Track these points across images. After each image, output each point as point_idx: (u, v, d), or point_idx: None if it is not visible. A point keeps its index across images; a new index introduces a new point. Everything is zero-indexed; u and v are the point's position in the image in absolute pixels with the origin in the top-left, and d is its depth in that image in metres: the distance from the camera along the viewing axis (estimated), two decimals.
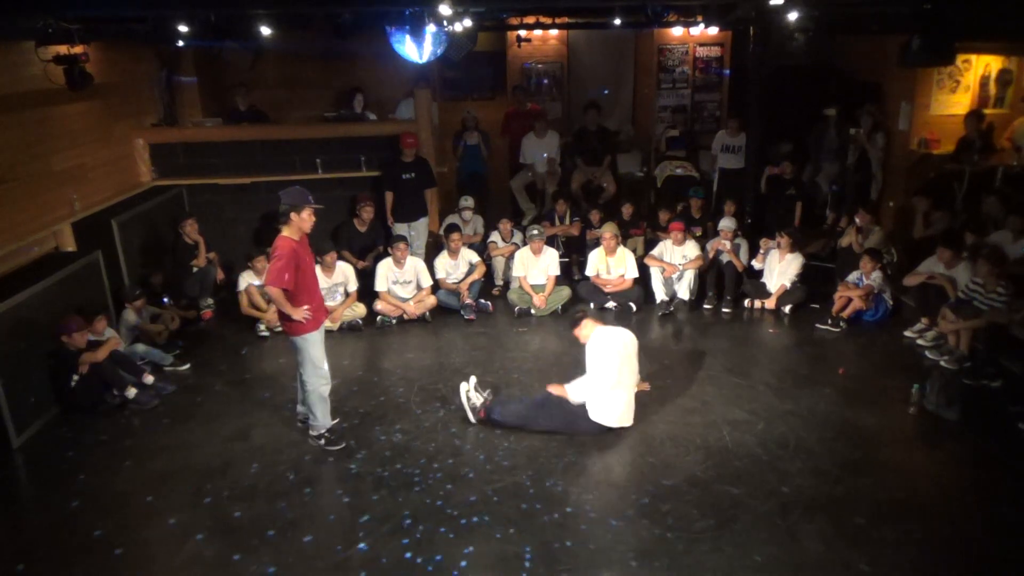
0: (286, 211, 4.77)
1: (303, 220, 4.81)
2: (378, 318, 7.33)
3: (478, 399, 5.35)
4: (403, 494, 4.60)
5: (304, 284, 4.87)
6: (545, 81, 11.11)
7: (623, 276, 7.62)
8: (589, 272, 7.75)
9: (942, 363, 6.17)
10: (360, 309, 7.33)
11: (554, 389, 5.24)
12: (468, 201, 8.51)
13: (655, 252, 7.76)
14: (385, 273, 7.31)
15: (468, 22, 6.95)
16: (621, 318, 7.43)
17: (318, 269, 6.08)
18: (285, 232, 4.81)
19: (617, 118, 11.18)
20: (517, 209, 9.68)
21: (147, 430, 5.48)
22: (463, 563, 4.01)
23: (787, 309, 7.40)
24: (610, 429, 5.17)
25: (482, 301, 7.67)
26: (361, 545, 4.15)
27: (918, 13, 5.49)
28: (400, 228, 8.12)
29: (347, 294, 7.24)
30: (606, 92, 11.23)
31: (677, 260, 7.64)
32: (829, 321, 7.04)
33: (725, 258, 7.71)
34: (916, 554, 4.02)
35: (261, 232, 8.21)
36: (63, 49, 5.89)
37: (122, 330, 6.45)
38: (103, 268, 6.59)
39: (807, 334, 6.96)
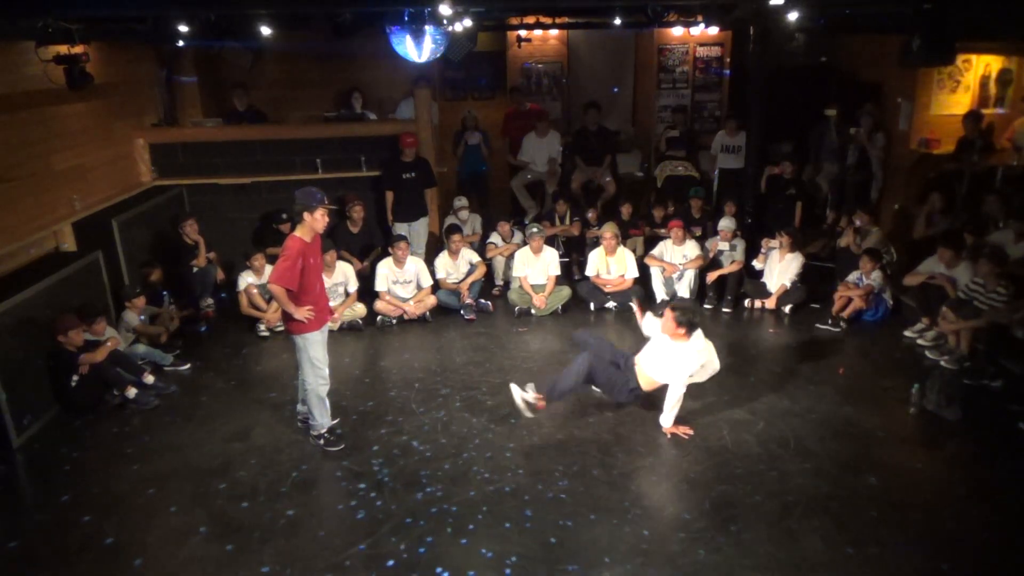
0: (299, 211, 4.76)
1: (316, 220, 4.79)
2: (378, 318, 7.34)
3: (530, 394, 5.24)
4: (403, 494, 4.60)
5: (309, 285, 4.87)
6: (545, 81, 11.12)
7: (623, 276, 7.62)
8: (589, 272, 7.74)
9: (942, 363, 6.17)
10: (360, 309, 7.33)
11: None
12: (462, 201, 8.52)
13: (655, 252, 7.77)
14: (385, 273, 7.32)
15: (468, 22, 6.95)
16: (621, 318, 7.44)
17: None
18: (297, 232, 4.82)
19: (617, 118, 11.17)
20: (517, 208, 9.69)
21: (147, 430, 5.48)
22: (463, 563, 4.01)
23: (787, 309, 7.41)
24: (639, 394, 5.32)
25: (482, 301, 7.67)
26: (361, 545, 4.15)
27: (918, 13, 5.48)
28: (400, 228, 8.12)
29: (347, 294, 7.25)
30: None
31: (677, 260, 7.64)
32: (829, 321, 7.05)
33: (726, 259, 7.71)
34: (916, 554, 4.02)
35: (261, 232, 8.22)
36: (63, 49, 5.88)
37: (122, 330, 6.45)
38: (103, 268, 6.59)
39: (807, 334, 6.96)
